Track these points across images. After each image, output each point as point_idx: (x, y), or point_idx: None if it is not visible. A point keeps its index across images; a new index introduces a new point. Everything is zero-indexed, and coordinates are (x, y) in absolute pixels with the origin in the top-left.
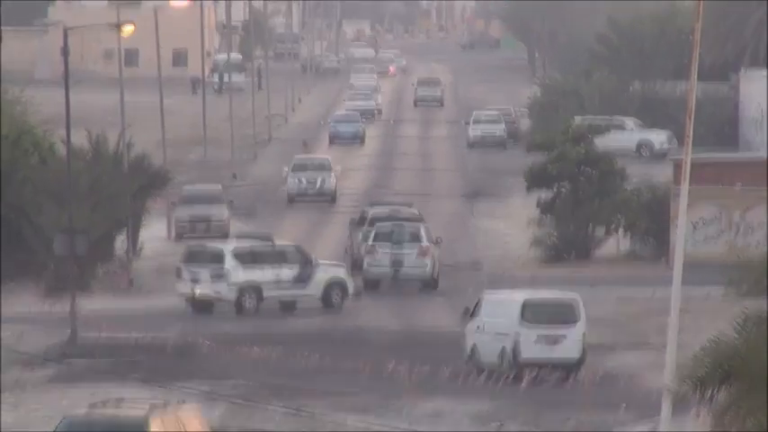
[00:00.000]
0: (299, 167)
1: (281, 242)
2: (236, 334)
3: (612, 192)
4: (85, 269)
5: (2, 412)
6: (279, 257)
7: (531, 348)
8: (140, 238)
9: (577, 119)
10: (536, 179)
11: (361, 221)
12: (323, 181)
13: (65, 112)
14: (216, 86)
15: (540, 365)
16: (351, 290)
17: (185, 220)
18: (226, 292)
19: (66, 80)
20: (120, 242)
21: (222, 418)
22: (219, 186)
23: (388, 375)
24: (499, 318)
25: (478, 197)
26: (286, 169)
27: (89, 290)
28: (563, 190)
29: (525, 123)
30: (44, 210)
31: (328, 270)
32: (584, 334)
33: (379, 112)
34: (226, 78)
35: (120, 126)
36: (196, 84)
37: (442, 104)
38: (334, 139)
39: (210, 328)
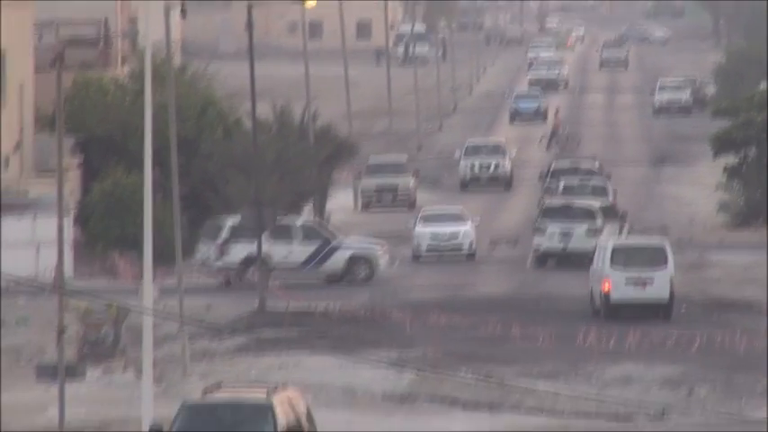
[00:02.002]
0: (473, 151)
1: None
2: (424, 302)
3: None
4: None
5: (185, 382)
6: (290, 233)
7: (622, 290)
8: (327, 209)
9: (763, 84)
10: (722, 145)
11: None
12: (497, 166)
13: (249, 86)
14: (401, 58)
15: (630, 306)
16: (382, 265)
17: (371, 190)
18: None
19: (251, 53)
20: (307, 213)
21: (411, 386)
22: (405, 156)
23: (576, 341)
24: (597, 263)
25: (665, 163)
26: (458, 152)
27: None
28: (750, 155)
29: (710, 90)
30: (231, 182)
31: (352, 246)
32: (672, 277)
33: (566, 83)
34: (410, 50)
35: (305, 98)
36: (380, 55)
37: (626, 67)
38: (516, 117)
39: (397, 296)
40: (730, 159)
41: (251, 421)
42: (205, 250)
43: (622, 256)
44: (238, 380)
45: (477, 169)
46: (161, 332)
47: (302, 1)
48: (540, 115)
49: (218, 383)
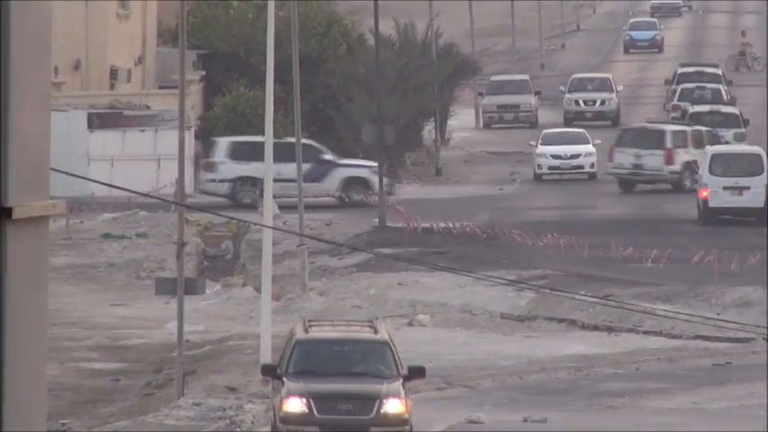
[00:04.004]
0: (578, 85)
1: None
2: (544, 222)
3: None
4: (394, 158)
5: (308, 300)
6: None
7: (720, 197)
8: (448, 128)
9: None
10: None
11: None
12: (603, 102)
13: (373, 2)
14: None
15: (727, 212)
16: (376, 188)
17: (493, 109)
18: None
19: None
20: (428, 131)
21: (529, 306)
22: (527, 76)
23: (696, 263)
24: (700, 171)
25: None
26: (563, 87)
27: (398, 179)
28: None
29: None
30: (353, 99)
31: (347, 168)
32: (766, 185)
33: (688, 7)
34: None
35: (428, 16)
36: None
37: None
38: (630, 48)
39: (517, 216)
40: None
41: (372, 358)
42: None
43: (720, 164)
44: (339, 313)
45: (581, 104)
46: (281, 248)
47: None
48: (657, 46)
49: (313, 321)
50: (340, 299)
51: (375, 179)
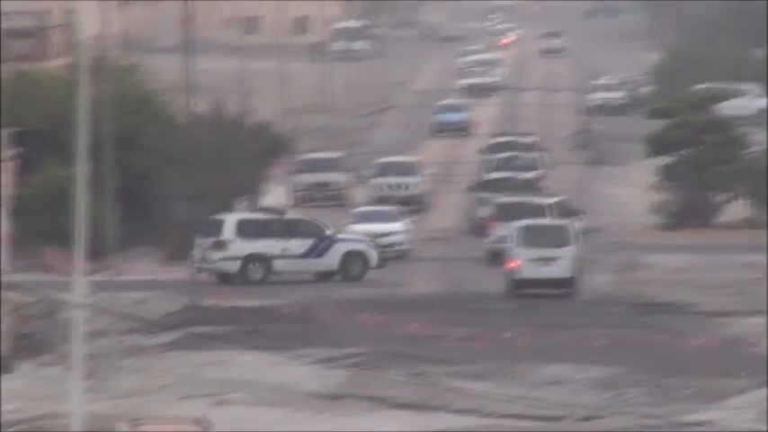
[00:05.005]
0: (384, 170)
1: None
2: (357, 300)
3: (733, 159)
4: None
5: (120, 378)
6: (288, 230)
7: (527, 268)
8: (261, 205)
9: (698, 86)
10: (656, 146)
11: (477, 186)
12: (408, 186)
13: (186, 80)
14: (337, 54)
15: (535, 284)
16: (373, 262)
17: (305, 186)
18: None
19: (188, 48)
20: (241, 209)
21: (342, 385)
22: (339, 153)
23: (507, 341)
24: (507, 243)
25: (599, 163)
26: (368, 171)
27: None
28: (683, 157)
29: (646, 90)
30: (166, 176)
31: (347, 242)
32: (575, 256)
33: (497, 87)
34: (347, 46)
35: (240, 93)
36: (317, 51)
37: (564, 55)
38: (438, 131)
39: (331, 294)
40: (665, 160)
41: None
42: (203, 247)
43: (529, 236)
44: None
45: (387, 189)
46: (94, 327)
47: None
48: (466, 129)
49: (138, 419)
50: (152, 378)
51: (373, 252)
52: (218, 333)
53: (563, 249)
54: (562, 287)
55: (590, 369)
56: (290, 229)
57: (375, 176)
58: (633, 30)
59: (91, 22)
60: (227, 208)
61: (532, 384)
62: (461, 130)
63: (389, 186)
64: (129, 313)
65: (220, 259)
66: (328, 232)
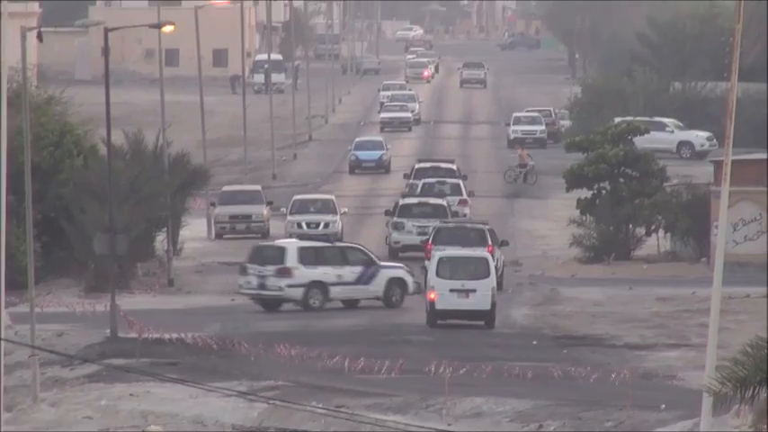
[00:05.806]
0: (300, 208)
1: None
2: (275, 333)
3: (652, 192)
4: (125, 268)
5: (42, 410)
6: (341, 257)
7: (446, 299)
8: (180, 238)
9: (617, 119)
10: (575, 179)
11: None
12: (326, 224)
13: (105, 112)
14: (257, 87)
15: (453, 315)
16: (411, 288)
17: (225, 219)
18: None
19: (107, 80)
20: (160, 241)
21: (261, 417)
22: (259, 186)
23: (427, 374)
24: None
25: (518, 197)
26: (284, 209)
27: (129, 289)
28: (603, 190)
29: (566, 124)
30: (85, 209)
31: (389, 269)
32: (493, 288)
33: (416, 121)
34: (267, 79)
35: (160, 125)
36: (236, 83)
37: (485, 86)
38: (356, 168)
39: (249, 327)
40: (583, 194)
41: None
42: (261, 274)
43: (447, 267)
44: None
45: (304, 227)
46: (12, 359)
47: (159, 27)
48: (384, 167)
49: None
50: (71, 410)
51: (410, 279)
52: (137, 366)
53: (482, 281)
54: (481, 318)
55: (510, 402)
56: (343, 257)
57: (292, 213)
58: (553, 63)
59: (10, 53)
60: (149, 240)
61: (453, 417)
62: (380, 168)
63: (307, 224)
64: (48, 345)
65: (288, 286)
66: (375, 259)
